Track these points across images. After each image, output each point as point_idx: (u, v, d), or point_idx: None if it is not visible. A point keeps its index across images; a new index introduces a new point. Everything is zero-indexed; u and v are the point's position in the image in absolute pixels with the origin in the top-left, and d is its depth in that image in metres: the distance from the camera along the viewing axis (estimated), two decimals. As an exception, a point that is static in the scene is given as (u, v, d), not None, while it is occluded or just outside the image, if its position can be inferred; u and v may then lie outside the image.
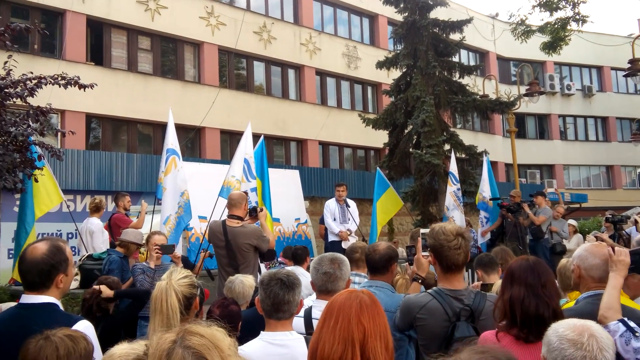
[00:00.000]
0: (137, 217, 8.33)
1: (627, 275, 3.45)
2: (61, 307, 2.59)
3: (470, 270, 8.07)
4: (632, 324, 2.55)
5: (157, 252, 5.39)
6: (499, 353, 1.47)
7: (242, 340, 3.03)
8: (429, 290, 3.13)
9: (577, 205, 24.90)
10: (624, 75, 17.38)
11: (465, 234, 3.06)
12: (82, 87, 7.35)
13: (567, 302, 3.24)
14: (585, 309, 2.74)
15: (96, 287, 4.55)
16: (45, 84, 7.22)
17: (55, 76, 7.28)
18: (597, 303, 2.74)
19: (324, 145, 22.42)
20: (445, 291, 3.02)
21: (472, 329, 2.89)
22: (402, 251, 16.32)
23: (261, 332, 2.78)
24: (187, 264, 6.68)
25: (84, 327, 2.46)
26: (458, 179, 10.77)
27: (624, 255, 2.80)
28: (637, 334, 2.50)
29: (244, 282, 4.52)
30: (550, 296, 2.59)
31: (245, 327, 3.63)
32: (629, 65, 15.76)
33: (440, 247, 3.02)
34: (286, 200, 11.09)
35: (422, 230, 3.54)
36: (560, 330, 2.10)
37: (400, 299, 3.43)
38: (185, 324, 1.54)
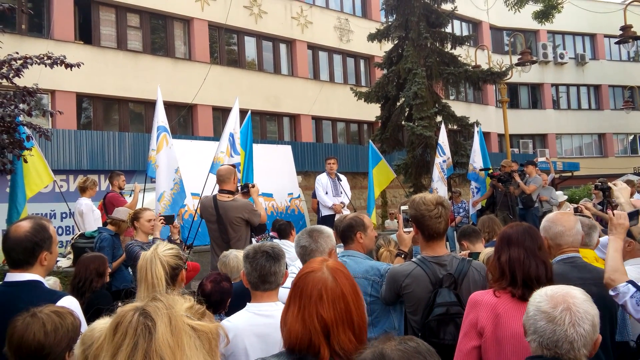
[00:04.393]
0: (131, 197, 8.36)
1: None
2: (46, 285, 2.62)
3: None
4: None
5: (162, 223, 5.54)
6: (422, 349, 1.43)
7: (230, 313, 3.09)
8: (413, 259, 3.19)
9: (569, 174, 25.06)
10: (615, 43, 17.32)
11: (444, 203, 3.12)
12: (69, 66, 7.29)
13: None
14: (558, 269, 2.83)
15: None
16: (31, 64, 7.15)
17: (41, 56, 7.20)
18: (570, 264, 2.91)
19: (317, 120, 22.34)
20: (429, 258, 3.10)
21: (453, 295, 2.96)
22: (392, 223, 16.40)
23: (247, 303, 2.81)
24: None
25: (69, 302, 2.50)
26: (445, 151, 10.75)
27: (623, 219, 2.91)
28: None
29: (238, 257, 4.57)
30: (546, 258, 2.69)
31: (234, 301, 3.68)
32: (621, 32, 15.72)
33: (422, 217, 3.08)
34: (279, 175, 11.13)
35: (403, 207, 3.56)
36: (537, 299, 2.05)
37: (369, 264, 3.47)
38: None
